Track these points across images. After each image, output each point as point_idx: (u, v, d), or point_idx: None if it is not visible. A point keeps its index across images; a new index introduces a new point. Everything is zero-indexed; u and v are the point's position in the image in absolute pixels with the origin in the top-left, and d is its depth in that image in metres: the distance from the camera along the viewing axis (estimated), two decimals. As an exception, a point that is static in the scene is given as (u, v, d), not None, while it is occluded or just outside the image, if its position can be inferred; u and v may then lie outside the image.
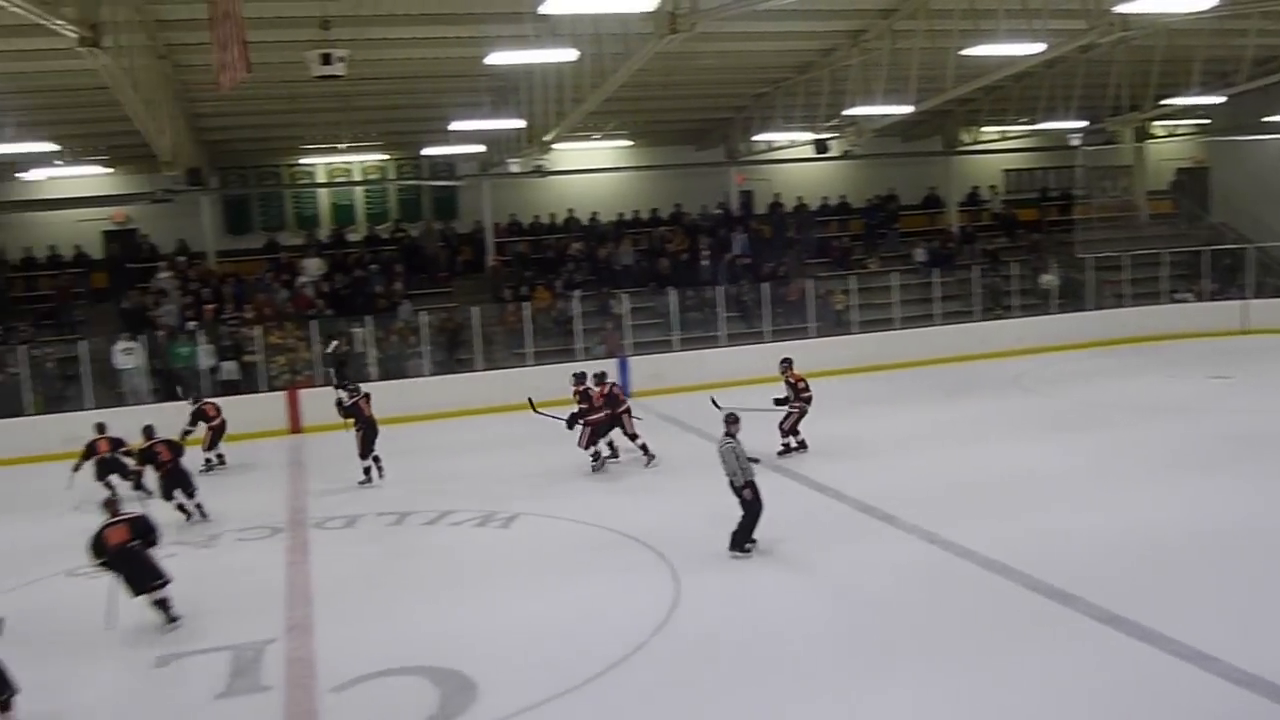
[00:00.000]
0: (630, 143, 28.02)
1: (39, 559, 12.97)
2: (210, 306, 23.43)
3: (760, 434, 14.32)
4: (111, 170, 25.07)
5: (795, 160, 27.92)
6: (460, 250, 27.50)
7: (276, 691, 8.71)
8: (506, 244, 27.72)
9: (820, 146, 24.87)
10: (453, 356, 23.50)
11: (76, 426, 18.62)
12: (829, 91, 22.24)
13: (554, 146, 22.54)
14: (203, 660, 9.41)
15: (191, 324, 22.76)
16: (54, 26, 11.50)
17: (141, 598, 10.37)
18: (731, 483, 11.37)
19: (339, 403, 16.27)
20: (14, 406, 20.55)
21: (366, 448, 15.93)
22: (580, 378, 16.53)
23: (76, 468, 15.61)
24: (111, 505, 11.01)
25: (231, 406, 19.29)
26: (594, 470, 15.79)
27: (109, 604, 10.39)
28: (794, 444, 16.19)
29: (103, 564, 10.45)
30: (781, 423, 16.13)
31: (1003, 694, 7.96)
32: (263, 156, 27.10)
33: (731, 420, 11.64)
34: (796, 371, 16.33)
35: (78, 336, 22.68)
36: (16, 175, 24.42)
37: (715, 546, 11.52)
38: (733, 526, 11.33)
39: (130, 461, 15.42)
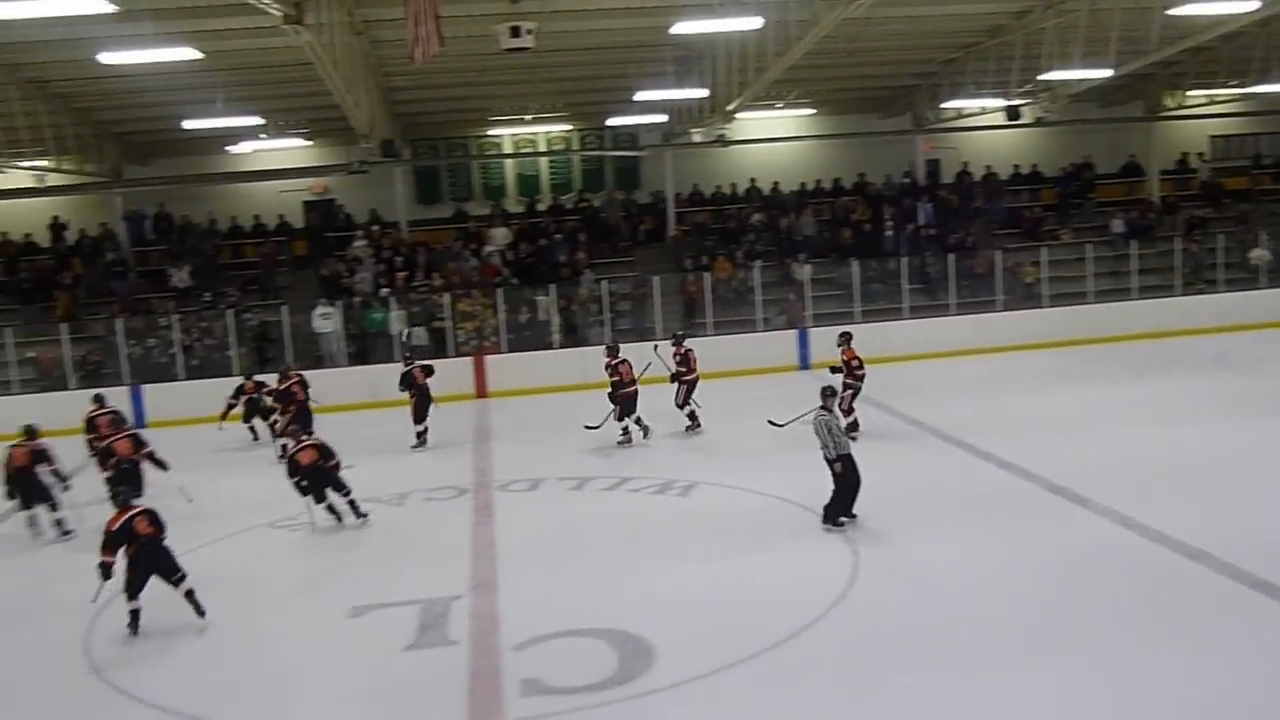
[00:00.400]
0: (813, 111, 27.62)
1: (246, 510, 13.77)
2: (402, 274, 24.25)
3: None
4: (311, 143, 26.22)
5: (985, 128, 26.99)
6: (642, 220, 27.70)
7: (462, 646, 9.02)
8: (687, 214, 27.76)
9: (1012, 113, 23.94)
10: (635, 325, 23.73)
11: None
12: (1022, 56, 21.38)
13: (736, 116, 22.40)
14: (393, 613, 9.80)
15: (383, 291, 23.62)
16: (261, 5, 12.01)
17: (324, 505, 12.68)
18: (824, 455, 11.38)
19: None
20: (222, 366, 21.79)
21: (420, 414, 17.11)
22: (613, 350, 16.71)
23: (226, 411, 17.60)
24: (296, 434, 13.55)
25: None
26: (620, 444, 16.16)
27: (310, 513, 12.71)
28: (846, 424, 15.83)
29: (298, 481, 12.61)
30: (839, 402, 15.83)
31: (1200, 688, 7.61)
32: (452, 128, 27.83)
33: (827, 394, 11.75)
34: (853, 349, 16.26)
35: (280, 301, 23.88)
36: (226, 148, 25.78)
37: (894, 522, 11.37)
38: (910, 503, 11.15)
39: (269, 400, 16.98)
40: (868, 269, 24.56)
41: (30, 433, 13.61)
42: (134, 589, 9.74)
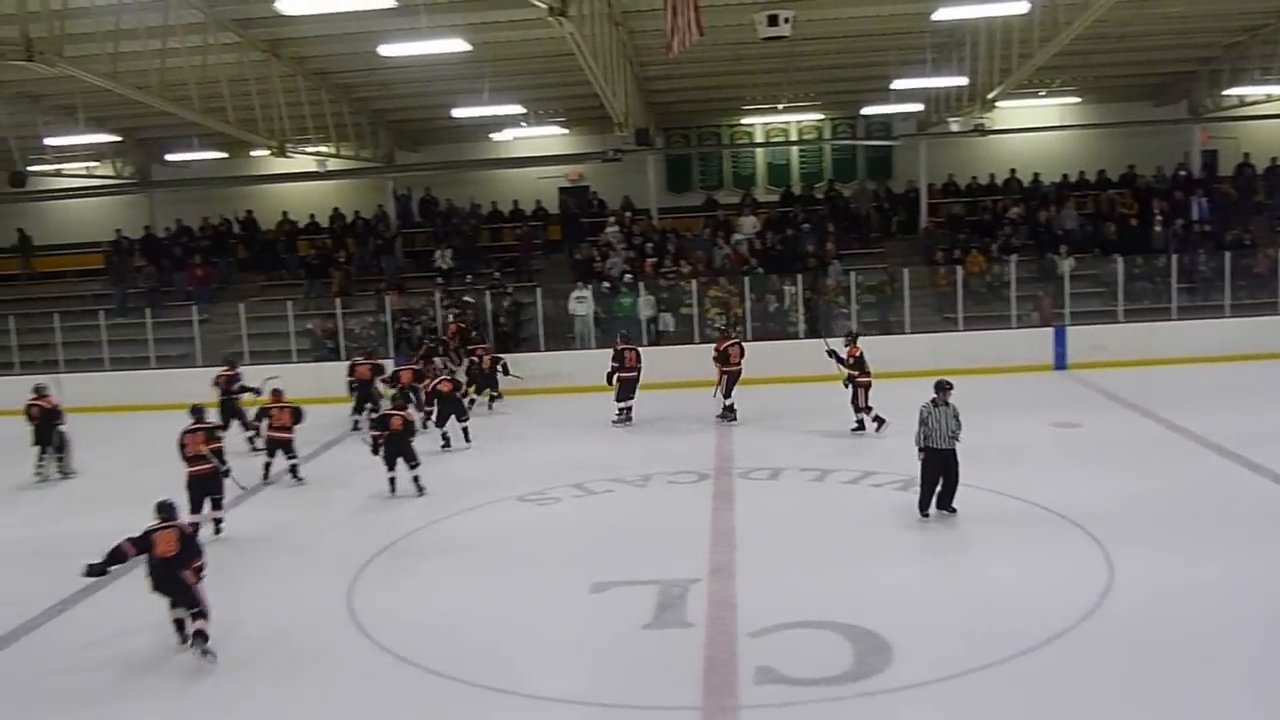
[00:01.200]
0: (1078, 99, 26.40)
1: (495, 483, 14.39)
2: (651, 260, 24.67)
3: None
4: (568, 131, 27.04)
5: (1271, 116, 25.09)
6: (894, 211, 27.18)
7: (698, 630, 9.13)
8: (941, 205, 27.04)
9: (1304, 100, 22.18)
10: (882, 317, 23.34)
11: (533, 365, 20.54)
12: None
13: (997, 104, 21.65)
14: (633, 591, 10.02)
15: (626, 276, 24.09)
16: (529, -2, 12.48)
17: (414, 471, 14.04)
18: (916, 444, 11.80)
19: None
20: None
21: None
22: (625, 337, 18.70)
23: (352, 388, 18.90)
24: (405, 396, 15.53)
25: (666, 356, 20.41)
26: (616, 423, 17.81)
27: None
28: (868, 420, 16.37)
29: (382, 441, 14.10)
30: (853, 400, 16.23)
31: None
32: (704, 117, 28.09)
33: (939, 387, 11.84)
34: (859, 345, 16.60)
35: (534, 284, 24.76)
36: (490, 136, 26.92)
37: (1155, 535, 10.80)
38: (1174, 515, 10.56)
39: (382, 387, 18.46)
40: (1133, 266, 23.24)
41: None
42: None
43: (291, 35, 19.05)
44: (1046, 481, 13.01)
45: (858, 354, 16.49)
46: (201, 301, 25.56)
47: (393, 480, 14.11)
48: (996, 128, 25.12)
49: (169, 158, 26.94)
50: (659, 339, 22.84)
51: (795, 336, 22.58)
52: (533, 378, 19.88)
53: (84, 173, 26.76)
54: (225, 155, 26.74)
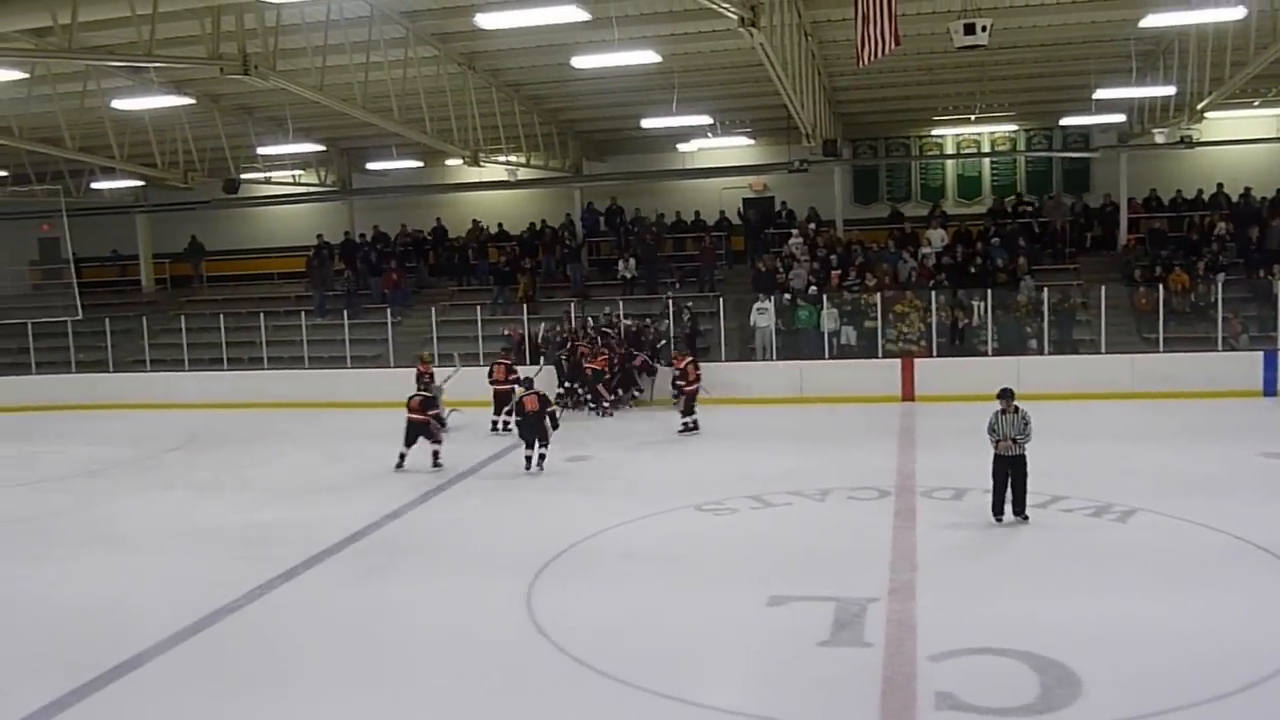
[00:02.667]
0: (1296, 110, 24.88)
1: (674, 491, 14.45)
2: (835, 273, 24.38)
3: None
4: (754, 142, 26.99)
5: None
6: (1090, 225, 26.13)
7: (876, 650, 8.92)
8: (1142, 220, 25.85)
9: None
10: (1071, 336, 22.45)
11: (714, 376, 20.59)
12: None
13: (1206, 115, 20.58)
14: (810, 607, 9.87)
15: (811, 289, 23.84)
16: (721, 9, 12.49)
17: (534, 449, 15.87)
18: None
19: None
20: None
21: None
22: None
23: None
24: (529, 382, 16.60)
25: (848, 371, 20.16)
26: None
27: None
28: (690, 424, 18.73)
29: (518, 421, 16.23)
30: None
31: None
32: (893, 128, 27.63)
33: (1004, 395, 12.34)
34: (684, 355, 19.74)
35: (716, 294, 24.80)
36: (676, 147, 27.12)
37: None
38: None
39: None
40: (1357, 288, 21.73)
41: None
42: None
43: (487, 48, 19.61)
44: (1253, 515, 12.23)
45: (682, 366, 19.09)
46: (396, 305, 26.56)
47: (528, 458, 15.91)
48: (1205, 139, 23.90)
49: (369, 166, 28.12)
50: (841, 353, 22.55)
51: (984, 354, 21.94)
52: (713, 388, 19.86)
53: (290, 180, 28.16)
54: (421, 164, 27.74)
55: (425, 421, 16.40)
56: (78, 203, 26.86)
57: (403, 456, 16.42)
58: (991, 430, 12.27)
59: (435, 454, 16.46)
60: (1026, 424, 12.15)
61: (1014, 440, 12.06)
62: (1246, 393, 20.18)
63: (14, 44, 15.25)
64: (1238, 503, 12.89)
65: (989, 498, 12.46)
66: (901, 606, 9.81)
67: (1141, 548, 11.57)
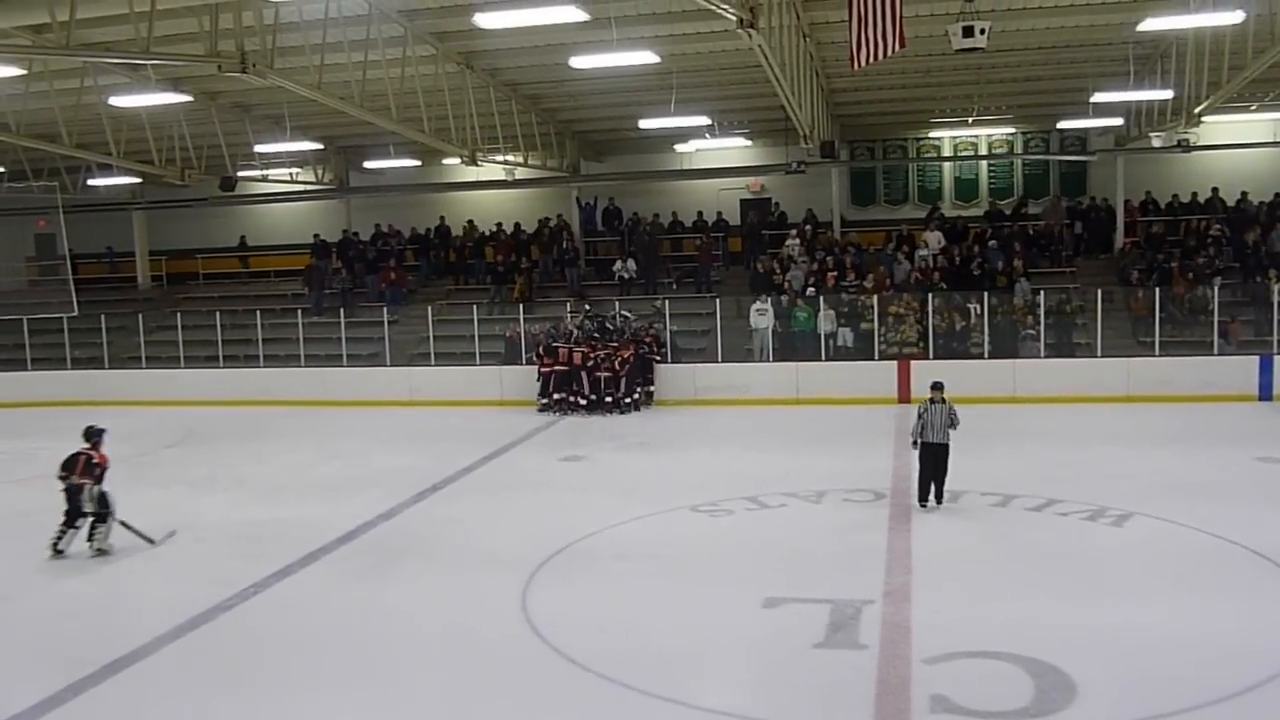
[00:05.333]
0: (1293, 114, 24.92)
1: (671, 492, 14.47)
2: (832, 274, 24.38)
3: None
4: (751, 143, 27.02)
5: None
6: (1086, 229, 26.17)
7: (871, 652, 8.92)
8: (1138, 223, 25.88)
9: None
10: (1069, 339, 22.48)
11: (710, 377, 20.59)
12: None
13: (1203, 119, 20.61)
14: (805, 609, 9.87)
15: (809, 290, 23.84)
16: (719, 10, 12.50)
17: None
18: (911, 437, 13.08)
19: None
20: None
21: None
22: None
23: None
24: None
25: (844, 372, 20.16)
26: None
27: None
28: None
29: None
30: None
31: None
32: (890, 130, 27.65)
33: (935, 386, 13.08)
34: None
35: (712, 295, 24.80)
36: (674, 147, 27.14)
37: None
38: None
39: None
40: (1352, 292, 21.76)
41: None
42: None
43: (486, 48, 19.61)
44: (1249, 519, 12.24)
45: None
46: (392, 304, 26.54)
47: None
48: (1202, 144, 23.94)
49: (367, 165, 28.11)
50: (838, 354, 22.55)
51: (979, 356, 21.96)
52: (709, 389, 19.91)
53: (287, 178, 28.16)
54: (419, 163, 27.74)
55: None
56: (74, 199, 26.86)
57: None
58: (920, 418, 12.93)
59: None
60: (954, 416, 12.91)
61: (946, 430, 12.83)
62: (1242, 397, 20.21)
63: (12, 40, 15.23)
64: (1233, 507, 12.90)
65: (986, 500, 12.49)
66: (897, 609, 9.82)
67: (1137, 551, 11.58)
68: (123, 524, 12.40)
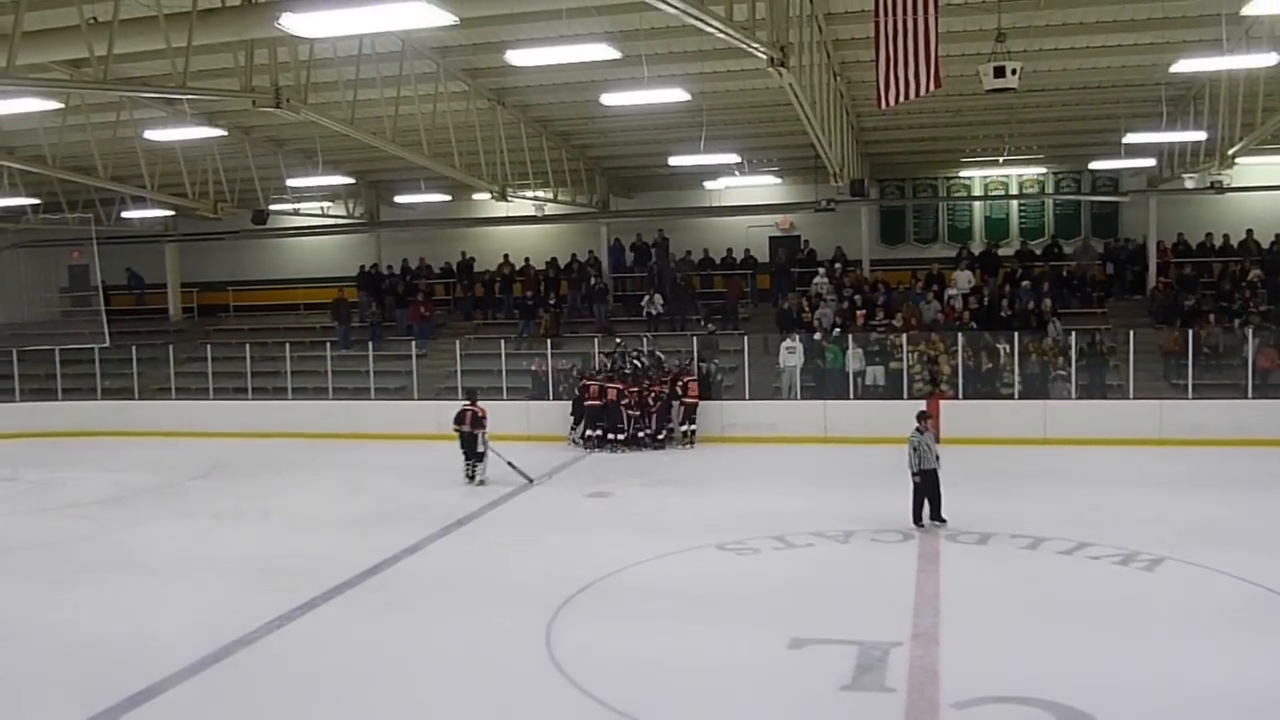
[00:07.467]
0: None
1: (696, 529, 14.35)
2: (861, 312, 24.28)
3: None
4: (781, 180, 27.04)
5: None
6: (1119, 269, 25.97)
7: (898, 695, 8.78)
8: (1172, 265, 25.68)
9: None
10: (1100, 381, 22.24)
11: (738, 414, 20.47)
12: None
13: (1237, 160, 20.46)
14: (831, 650, 9.75)
15: (835, 330, 23.74)
16: (751, 49, 12.51)
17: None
18: (909, 468, 13.84)
19: None
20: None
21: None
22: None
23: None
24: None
25: (873, 411, 20.06)
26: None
27: None
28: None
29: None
30: None
31: None
32: (920, 169, 27.60)
33: (920, 416, 14.14)
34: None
35: (740, 332, 24.74)
36: (703, 184, 27.19)
37: None
38: None
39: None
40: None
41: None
42: None
43: (517, 84, 19.76)
44: (1275, 564, 12.04)
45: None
46: (421, 338, 26.61)
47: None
48: (1236, 185, 23.75)
49: (397, 199, 28.30)
50: (866, 393, 22.39)
51: (1010, 397, 21.75)
52: (735, 425, 19.81)
53: (319, 212, 28.37)
54: (449, 198, 27.87)
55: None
56: (108, 231, 27.14)
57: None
58: (916, 450, 13.76)
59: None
60: (937, 441, 14.30)
61: (938, 456, 13.77)
62: (1276, 441, 19.90)
63: (50, 74, 15.45)
64: (1267, 553, 12.67)
65: (1016, 542, 12.32)
66: (925, 652, 9.67)
67: (1169, 597, 11.39)
68: (509, 464, 17.54)
